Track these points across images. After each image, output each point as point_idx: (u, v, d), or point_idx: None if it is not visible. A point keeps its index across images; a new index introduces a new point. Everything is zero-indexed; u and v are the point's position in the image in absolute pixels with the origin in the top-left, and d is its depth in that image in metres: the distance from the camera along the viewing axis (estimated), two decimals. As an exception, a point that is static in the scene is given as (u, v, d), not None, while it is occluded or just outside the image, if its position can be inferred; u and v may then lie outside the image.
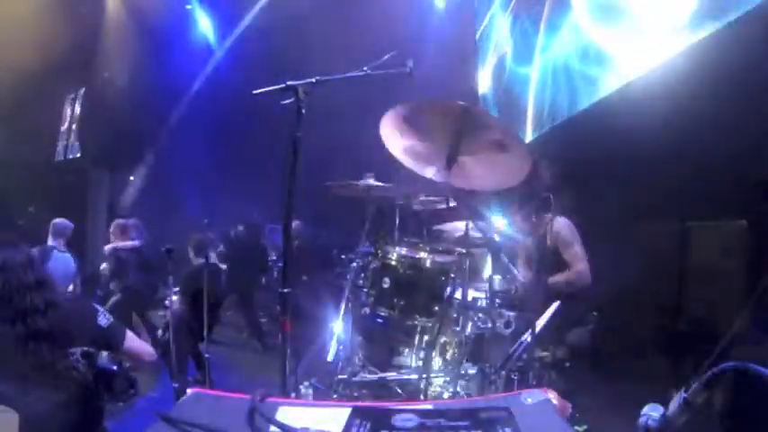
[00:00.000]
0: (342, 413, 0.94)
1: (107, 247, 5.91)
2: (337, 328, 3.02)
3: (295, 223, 7.23)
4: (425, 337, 2.80)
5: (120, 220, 6.13)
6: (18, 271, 1.88)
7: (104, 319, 2.03)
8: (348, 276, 3.13)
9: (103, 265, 6.02)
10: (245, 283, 6.93)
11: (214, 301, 4.42)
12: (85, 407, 1.92)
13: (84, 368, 1.90)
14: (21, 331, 1.81)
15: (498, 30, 7.85)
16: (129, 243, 5.86)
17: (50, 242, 5.08)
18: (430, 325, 2.76)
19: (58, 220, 5.21)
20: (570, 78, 5.58)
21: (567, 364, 3.05)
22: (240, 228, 7.76)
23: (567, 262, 3.50)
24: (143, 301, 5.93)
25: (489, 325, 2.71)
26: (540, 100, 6.46)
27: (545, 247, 3.53)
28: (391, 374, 2.77)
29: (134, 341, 2.16)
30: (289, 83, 2.12)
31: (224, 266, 6.55)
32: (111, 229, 5.99)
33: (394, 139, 2.58)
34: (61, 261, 4.98)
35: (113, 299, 5.89)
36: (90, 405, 1.95)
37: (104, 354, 1.98)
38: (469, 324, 2.77)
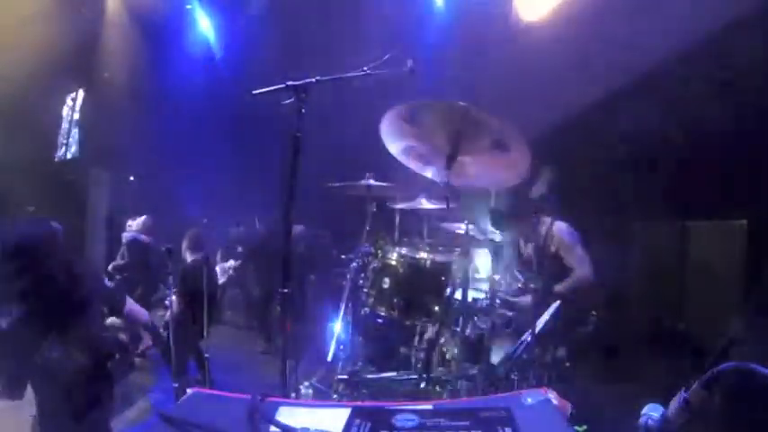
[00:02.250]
0: (342, 413, 0.94)
1: (128, 235, 6.00)
2: (337, 328, 3.02)
3: (299, 228, 7.21)
4: (425, 337, 2.80)
5: (146, 219, 6.29)
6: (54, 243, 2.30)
7: (108, 282, 2.29)
8: (348, 276, 3.13)
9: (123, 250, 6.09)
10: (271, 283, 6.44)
11: (209, 298, 4.40)
12: (100, 369, 2.24)
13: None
14: (59, 295, 2.17)
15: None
16: (145, 238, 6.03)
17: None
18: (430, 325, 2.76)
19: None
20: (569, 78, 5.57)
21: (567, 364, 3.05)
22: (261, 224, 7.50)
23: (568, 266, 3.44)
24: (141, 298, 5.99)
25: (489, 325, 2.71)
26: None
27: (546, 251, 3.50)
28: (391, 374, 2.77)
29: (132, 305, 2.53)
30: (289, 83, 2.12)
31: (232, 264, 6.57)
32: (141, 225, 6.16)
33: (394, 139, 2.58)
34: None
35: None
36: (103, 369, 2.26)
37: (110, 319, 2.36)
38: (469, 324, 2.77)
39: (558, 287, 3.36)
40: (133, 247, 5.99)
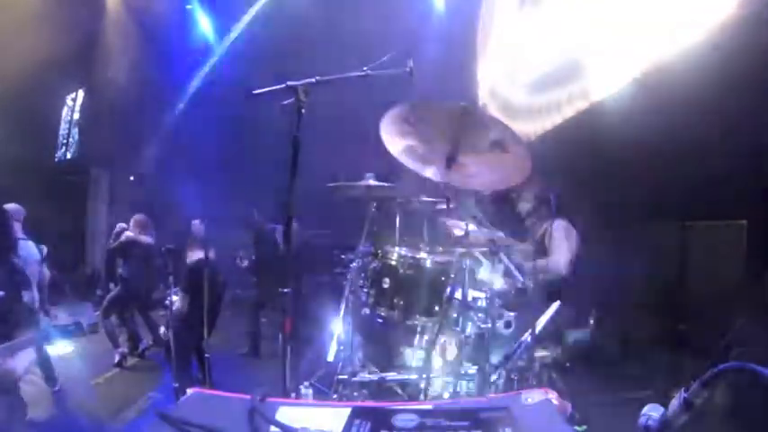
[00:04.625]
0: (342, 413, 0.94)
1: (127, 234, 5.95)
2: (337, 328, 3.02)
3: (294, 225, 7.10)
4: (425, 337, 2.80)
5: (140, 216, 6.20)
6: None
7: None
8: (348, 276, 3.13)
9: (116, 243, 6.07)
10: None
11: (215, 299, 4.40)
12: None
13: None
14: None
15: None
16: (144, 239, 5.97)
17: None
18: (430, 325, 2.75)
19: (10, 206, 4.39)
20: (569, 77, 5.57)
21: (567, 365, 3.05)
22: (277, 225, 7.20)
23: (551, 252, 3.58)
24: (141, 298, 5.98)
25: (489, 325, 2.71)
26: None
27: (543, 248, 3.57)
28: (391, 374, 2.77)
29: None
30: (289, 83, 2.12)
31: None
32: (132, 223, 6.08)
33: (394, 139, 2.58)
34: (25, 249, 4.17)
35: (112, 293, 5.94)
36: None
37: None
38: (469, 324, 2.77)
39: (531, 264, 3.36)
40: (131, 248, 5.97)
